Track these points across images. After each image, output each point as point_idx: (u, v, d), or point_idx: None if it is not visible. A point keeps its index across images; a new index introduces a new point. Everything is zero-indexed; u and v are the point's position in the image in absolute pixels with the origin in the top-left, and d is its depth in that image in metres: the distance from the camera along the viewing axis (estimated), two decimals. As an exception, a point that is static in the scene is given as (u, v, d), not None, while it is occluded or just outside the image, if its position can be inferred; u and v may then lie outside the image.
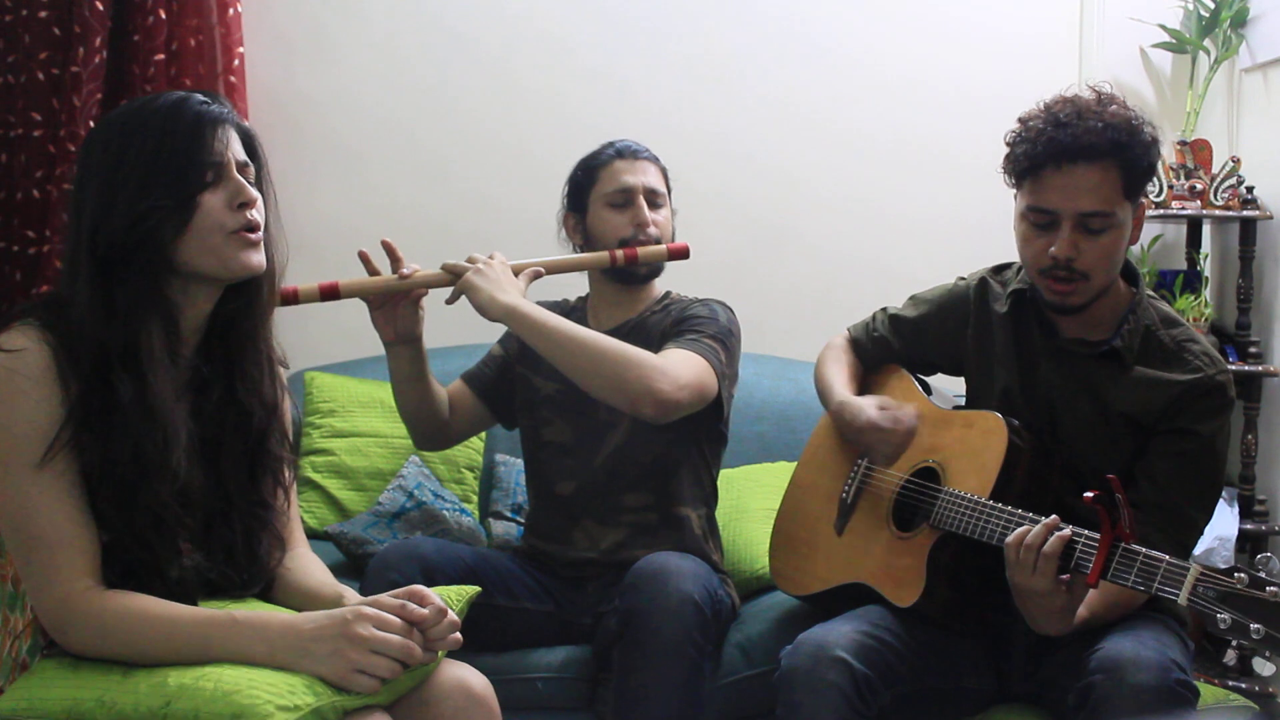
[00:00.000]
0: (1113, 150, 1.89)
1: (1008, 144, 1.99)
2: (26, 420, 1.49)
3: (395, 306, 2.22)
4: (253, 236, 1.60)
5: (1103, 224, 1.91)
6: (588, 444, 2.36)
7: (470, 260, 2.23)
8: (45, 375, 1.50)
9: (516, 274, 2.25)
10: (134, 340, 1.53)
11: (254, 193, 1.61)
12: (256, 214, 1.61)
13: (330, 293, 2.16)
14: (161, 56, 2.99)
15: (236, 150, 1.61)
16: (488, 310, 2.17)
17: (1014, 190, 2.01)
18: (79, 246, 1.55)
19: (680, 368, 2.20)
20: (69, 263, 1.57)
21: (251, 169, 1.63)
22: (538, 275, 2.29)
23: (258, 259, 1.61)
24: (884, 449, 2.10)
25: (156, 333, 1.55)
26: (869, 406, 2.12)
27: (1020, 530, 1.81)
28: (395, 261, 2.22)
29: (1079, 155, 1.89)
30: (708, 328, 2.33)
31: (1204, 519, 1.96)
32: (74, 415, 1.50)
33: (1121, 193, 1.91)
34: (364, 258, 2.23)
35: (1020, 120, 1.99)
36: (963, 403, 2.21)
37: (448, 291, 2.24)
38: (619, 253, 2.35)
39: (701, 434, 2.38)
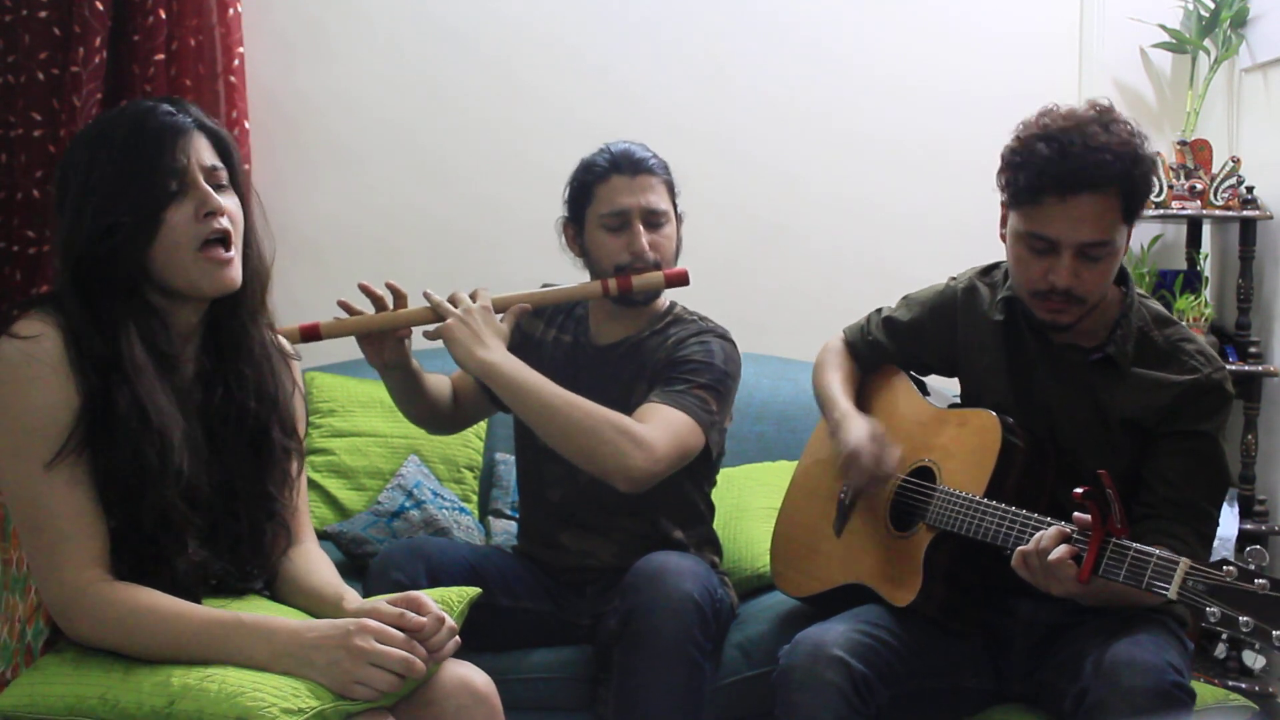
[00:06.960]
0: (1116, 179, 1.86)
1: (1004, 161, 1.95)
2: (42, 409, 1.50)
3: (383, 340, 2.18)
4: (224, 254, 1.59)
5: (1102, 252, 1.89)
6: None
7: (453, 300, 2.16)
8: (61, 363, 1.51)
9: (502, 310, 2.19)
10: (116, 349, 1.54)
11: (219, 201, 1.59)
12: (225, 222, 1.59)
13: (311, 334, 2.11)
14: (161, 56, 2.99)
15: (204, 156, 1.59)
16: (465, 364, 2.13)
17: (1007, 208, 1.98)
18: (58, 259, 1.57)
19: (659, 435, 2.11)
20: (57, 273, 1.59)
21: (223, 172, 1.61)
22: (524, 312, 2.25)
23: (230, 276, 1.61)
24: (858, 481, 2.09)
25: (136, 342, 1.55)
26: (862, 433, 2.09)
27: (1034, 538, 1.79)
28: (376, 300, 2.17)
29: (1084, 186, 1.85)
30: (700, 375, 2.22)
31: (1217, 512, 1.96)
32: (84, 415, 1.51)
33: (1121, 218, 1.89)
34: (344, 306, 2.17)
35: (1018, 138, 1.93)
36: (959, 402, 2.21)
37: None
38: (611, 283, 2.25)
39: (690, 468, 2.27)
